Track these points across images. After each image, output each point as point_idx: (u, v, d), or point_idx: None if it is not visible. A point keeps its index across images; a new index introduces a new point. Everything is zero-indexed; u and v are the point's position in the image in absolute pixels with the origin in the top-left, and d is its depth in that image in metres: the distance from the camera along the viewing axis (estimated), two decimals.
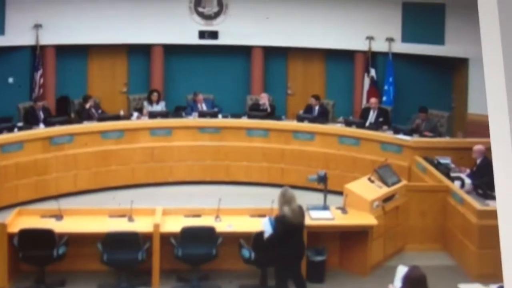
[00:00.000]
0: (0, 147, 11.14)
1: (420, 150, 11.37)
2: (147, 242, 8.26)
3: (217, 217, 8.82)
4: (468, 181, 9.89)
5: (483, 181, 9.64)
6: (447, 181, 9.89)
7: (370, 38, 14.42)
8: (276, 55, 15.07)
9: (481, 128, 12.87)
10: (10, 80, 14.02)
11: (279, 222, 7.70)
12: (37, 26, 13.89)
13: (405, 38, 14.34)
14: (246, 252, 8.28)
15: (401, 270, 6.17)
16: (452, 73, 14.44)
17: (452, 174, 10.22)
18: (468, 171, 10.31)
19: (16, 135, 11.55)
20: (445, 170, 10.36)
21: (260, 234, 8.03)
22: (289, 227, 7.66)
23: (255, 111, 13.47)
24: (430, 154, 11.14)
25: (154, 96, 13.69)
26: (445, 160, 10.84)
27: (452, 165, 10.71)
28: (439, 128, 12.52)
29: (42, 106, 12.74)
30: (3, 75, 13.92)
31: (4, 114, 12.50)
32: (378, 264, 9.02)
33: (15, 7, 13.74)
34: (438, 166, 10.61)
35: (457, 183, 9.82)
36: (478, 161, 10.21)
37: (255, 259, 8.25)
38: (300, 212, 7.75)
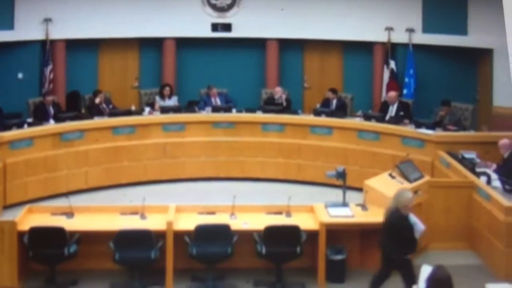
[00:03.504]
0: (9, 144, 11.02)
1: (444, 145, 11.11)
2: (160, 241, 8.07)
3: (232, 215, 8.65)
4: (494, 176, 9.57)
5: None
6: (472, 177, 9.64)
7: (390, 29, 14.20)
8: (292, 48, 14.86)
9: (507, 121, 12.68)
10: (20, 75, 13.93)
11: None
12: (47, 20, 13.80)
13: (426, 29, 14.12)
14: (258, 247, 8.14)
15: (426, 270, 6.01)
16: (476, 64, 14.23)
17: (478, 169, 9.93)
18: (494, 166, 10.03)
19: (26, 131, 11.44)
20: (470, 165, 10.08)
21: (270, 228, 8.00)
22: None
23: (270, 105, 13.27)
24: (454, 149, 10.88)
25: (166, 90, 13.54)
26: (470, 155, 10.57)
27: (478, 160, 10.45)
28: (463, 121, 12.30)
29: (52, 102, 12.63)
30: (13, 71, 13.83)
31: (13, 110, 12.42)
32: None
33: (24, 2, 13.64)
34: (462, 161, 10.33)
35: (483, 179, 9.53)
36: (505, 155, 9.95)
37: (266, 253, 8.09)
38: (386, 213, 7.56)
